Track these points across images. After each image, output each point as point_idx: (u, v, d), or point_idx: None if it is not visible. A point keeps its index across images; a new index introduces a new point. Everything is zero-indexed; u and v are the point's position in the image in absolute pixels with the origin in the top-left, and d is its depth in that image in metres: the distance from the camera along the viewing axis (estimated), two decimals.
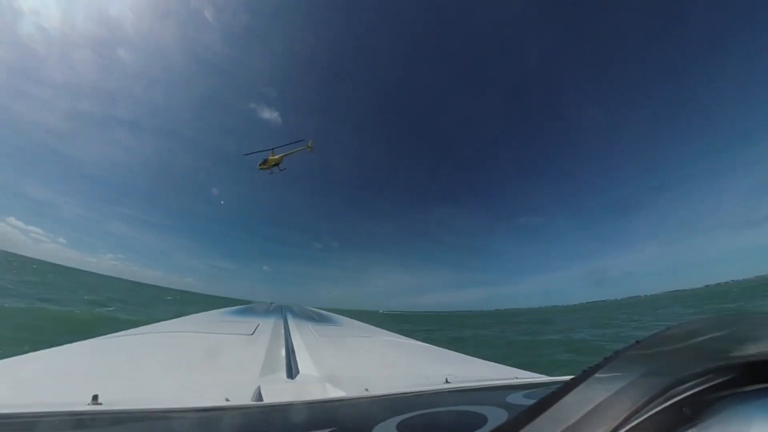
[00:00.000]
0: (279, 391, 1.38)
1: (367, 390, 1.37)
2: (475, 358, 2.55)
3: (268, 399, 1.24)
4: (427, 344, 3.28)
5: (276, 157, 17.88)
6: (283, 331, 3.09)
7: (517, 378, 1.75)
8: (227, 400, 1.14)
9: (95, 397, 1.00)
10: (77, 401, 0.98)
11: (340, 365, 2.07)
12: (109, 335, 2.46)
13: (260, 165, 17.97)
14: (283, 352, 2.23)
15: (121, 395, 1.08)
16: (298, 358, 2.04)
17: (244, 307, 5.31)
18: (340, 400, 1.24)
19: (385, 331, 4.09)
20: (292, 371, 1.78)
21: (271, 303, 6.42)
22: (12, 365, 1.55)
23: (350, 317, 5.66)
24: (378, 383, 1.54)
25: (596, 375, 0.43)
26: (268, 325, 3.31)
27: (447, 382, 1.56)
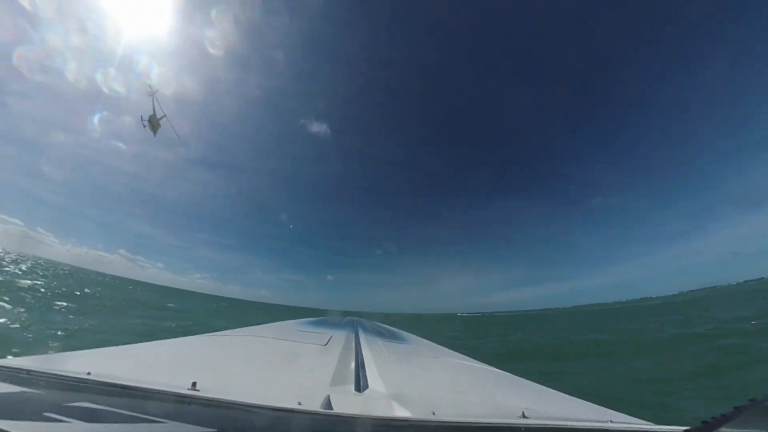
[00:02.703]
0: (347, 403, 1.42)
1: (434, 414, 1.32)
2: (557, 391, 2.25)
3: (337, 408, 1.28)
4: (500, 370, 3.03)
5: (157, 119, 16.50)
6: (354, 345, 3.18)
7: (611, 422, 1.48)
8: (299, 403, 1.22)
9: (194, 384, 1.21)
10: (180, 385, 1.19)
11: (407, 384, 2.04)
12: (205, 334, 2.94)
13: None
14: (353, 365, 2.29)
15: (214, 385, 1.27)
16: (367, 373, 2.07)
17: (319, 319, 5.65)
18: (406, 421, 1.22)
19: (455, 352, 3.91)
20: (360, 384, 1.82)
21: (344, 317, 6.69)
22: (135, 350, 2.03)
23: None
24: (446, 408, 1.47)
25: (723, 430, 0.34)
26: (340, 338, 3.45)
27: (524, 416, 1.40)
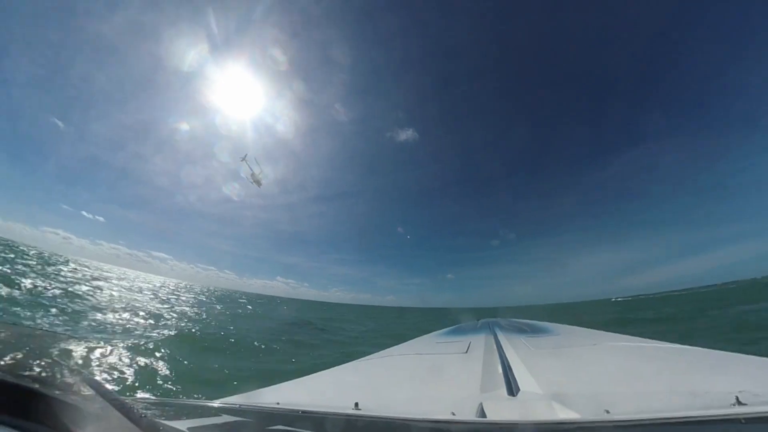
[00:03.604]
0: (502, 409, 1.37)
1: (607, 412, 1.15)
2: None
3: (492, 416, 1.25)
4: (687, 346, 2.42)
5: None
6: (495, 347, 3.06)
7: None
8: (453, 414, 1.24)
9: (356, 404, 1.37)
10: (345, 406, 1.36)
11: (566, 381, 1.83)
12: (360, 359, 3.25)
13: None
14: (500, 368, 2.20)
15: (374, 404, 1.43)
16: (516, 374, 1.95)
17: (454, 328, 5.65)
18: (575, 423, 1.08)
19: (616, 334, 3.33)
20: (512, 388, 1.73)
21: (478, 320, 6.50)
22: (307, 380, 2.41)
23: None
24: (622, 403, 1.26)
25: None
26: (479, 342, 3.36)
27: (739, 403, 1.08)
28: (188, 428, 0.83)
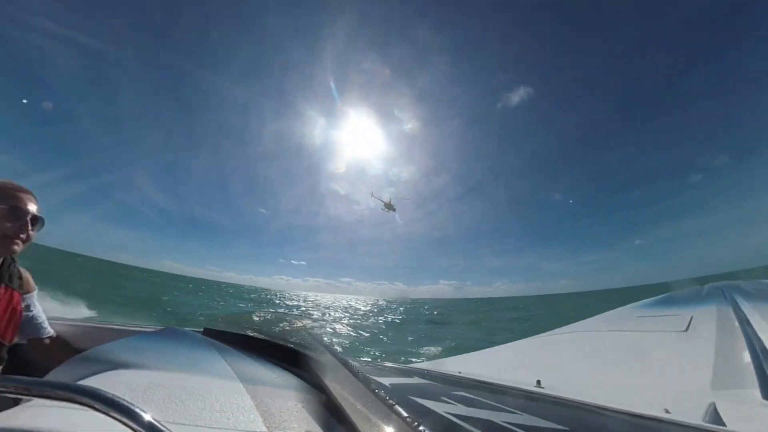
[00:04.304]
0: (752, 417, 1.01)
1: None
2: None
3: (734, 425, 0.92)
4: None
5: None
6: (736, 324, 2.23)
7: None
8: (667, 411, 1.00)
9: (538, 382, 1.32)
10: (527, 383, 1.34)
11: None
12: (542, 334, 2.98)
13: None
14: (746, 356, 1.61)
15: (558, 383, 1.34)
16: None
17: (663, 297, 4.21)
18: None
19: None
20: None
21: (703, 286, 4.60)
22: (487, 353, 2.46)
23: None
24: None
25: None
26: (707, 317, 2.51)
27: None
28: (390, 383, 1.05)
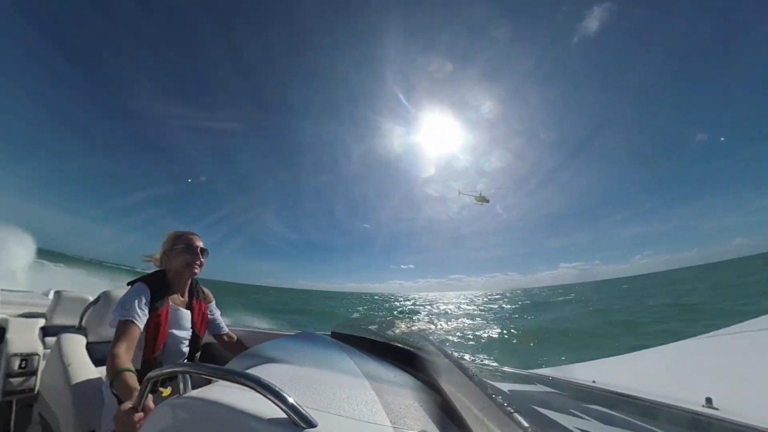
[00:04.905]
0: None
1: None
2: None
3: None
4: None
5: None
6: None
7: None
8: None
9: (708, 400, 1.01)
10: (690, 401, 1.02)
11: None
12: (705, 335, 2.34)
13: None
14: None
15: (736, 404, 1.01)
16: None
17: None
18: None
19: None
20: None
21: None
22: (633, 358, 1.99)
23: None
24: None
25: None
26: None
27: None
28: (509, 389, 0.99)
